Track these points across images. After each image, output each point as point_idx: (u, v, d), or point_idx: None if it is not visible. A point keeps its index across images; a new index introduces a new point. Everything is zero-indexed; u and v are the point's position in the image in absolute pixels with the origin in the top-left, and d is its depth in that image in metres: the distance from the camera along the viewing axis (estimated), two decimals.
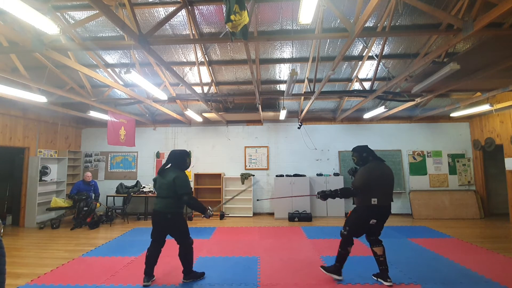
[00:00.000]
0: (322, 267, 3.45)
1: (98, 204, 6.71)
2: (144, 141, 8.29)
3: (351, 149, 3.61)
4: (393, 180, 3.30)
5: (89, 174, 6.89)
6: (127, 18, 4.10)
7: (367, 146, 3.49)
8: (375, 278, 3.35)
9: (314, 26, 4.39)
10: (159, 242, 3.31)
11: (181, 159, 3.39)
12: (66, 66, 4.43)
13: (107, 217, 6.77)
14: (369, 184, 3.14)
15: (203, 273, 3.50)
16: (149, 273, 3.28)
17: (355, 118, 7.92)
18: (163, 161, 8.16)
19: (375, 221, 3.14)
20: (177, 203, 3.20)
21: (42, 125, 7.09)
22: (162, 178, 3.27)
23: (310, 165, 7.97)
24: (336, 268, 3.33)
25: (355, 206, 3.35)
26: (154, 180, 3.42)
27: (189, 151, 4.01)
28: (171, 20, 4.34)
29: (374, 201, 3.11)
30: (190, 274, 3.37)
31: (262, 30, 4.64)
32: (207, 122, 8.12)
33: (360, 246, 4.70)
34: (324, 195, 3.39)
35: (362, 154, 3.40)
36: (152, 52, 3.59)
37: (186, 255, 3.30)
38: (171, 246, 3.45)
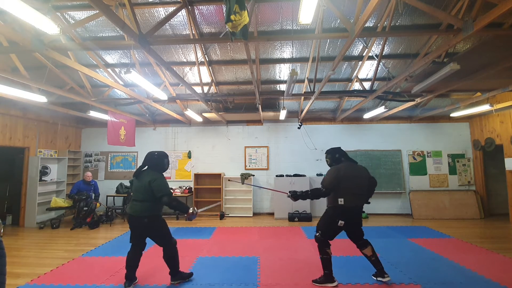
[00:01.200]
0: (314, 281, 3.31)
1: (98, 204, 6.71)
2: (144, 141, 8.28)
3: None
4: (366, 181, 3.23)
5: (89, 174, 6.89)
6: (127, 18, 4.10)
7: (339, 148, 3.48)
8: (375, 278, 3.35)
9: (314, 26, 4.39)
10: (139, 246, 3.23)
11: (158, 161, 3.27)
12: (66, 66, 4.43)
13: (107, 217, 6.78)
14: (337, 184, 3.10)
15: (191, 274, 3.44)
16: (130, 277, 3.22)
17: (355, 118, 7.92)
18: None
19: (343, 222, 3.07)
20: (154, 206, 3.10)
21: (42, 125, 7.10)
22: (138, 181, 3.16)
23: (310, 165, 7.97)
24: (326, 276, 3.22)
25: (327, 207, 3.29)
26: (131, 182, 3.32)
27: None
28: (171, 20, 4.34)
29: (340, 201, 3.08)
30: (177, 275, 3.31)
31: (262, 30, 4.64)
32: (207, 122, 8.12)
33: None
34: (295, 196, 3.32)
35: (335, 155, 3.38)
36: (152, 52, 3.59)
37: (170, 257, 3.22)
38: None
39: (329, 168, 3.38)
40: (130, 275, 3.23)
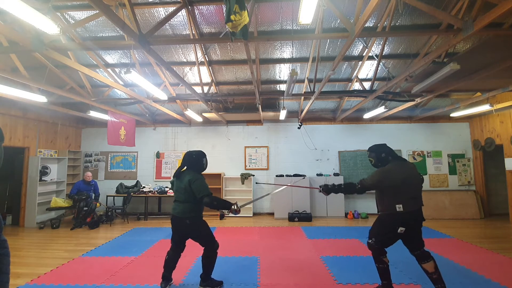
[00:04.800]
0: None
1: (98, 204, 6.71)
2: (144, 141, 8.28)
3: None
4: (421, 181, 2.98)
5: (89, 174, 6.89)
6: (127, 18, 4.10)
7: (385, 144, 3.11)
8: None
9: (314, 26, 4.39)
10: (179, 247, 3.20)
11: (197, 161, 3.23)
12: (66, 66, 4.43)
13: (107, 217, 6.77)
14: (381, 186, 2.84)
15: (221, 282, 3.34)
16: (167, 277, 3.18)
17: (355, 118, 7.91)
18: (163, 161, 8.21)
19: (403, 229, 2.78)
20: (196, 207, 3.07)
21: (42, 125, 7.09)
22: (179, 181, 3.13)
23: (310, 165, 7.97)
24: (385, 287, 2.94)
25: (379, 213, 3.02)
26: (171, 182, 3.29)
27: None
28: (171, 20, 4.34)
29: (399, 207, 2.77)
30: (208, 281, 3.24)
31: (262, 30, 4.64)
32: (207, 122, 8.12)
33: (360, 246, 4.70)
34: (327, 189, 3.05)
35: (380, 154, 3.03)
36: (152, 52, 3.59)
37: (208, 258, 3.16)
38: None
39: (375, 169, 3.03)
40: (167, 276, 3.19)
